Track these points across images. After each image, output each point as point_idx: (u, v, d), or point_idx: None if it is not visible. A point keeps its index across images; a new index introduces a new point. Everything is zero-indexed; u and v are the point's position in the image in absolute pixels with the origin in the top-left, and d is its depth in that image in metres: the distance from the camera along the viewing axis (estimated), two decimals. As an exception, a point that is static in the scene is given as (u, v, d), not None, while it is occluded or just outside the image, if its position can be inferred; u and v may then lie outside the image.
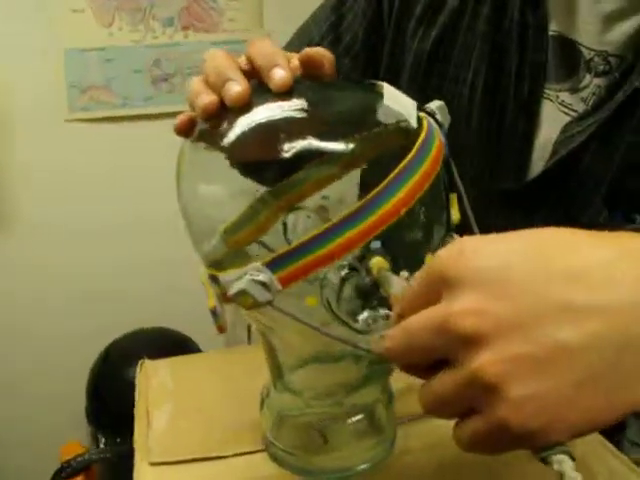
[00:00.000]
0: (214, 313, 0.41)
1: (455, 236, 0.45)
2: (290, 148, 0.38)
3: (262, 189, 0.41)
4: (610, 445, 0.51)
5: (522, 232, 0.30)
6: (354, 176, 0.41)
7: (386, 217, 0.37)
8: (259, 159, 0.40)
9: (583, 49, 0.57)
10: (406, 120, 0.41)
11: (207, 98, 0.40)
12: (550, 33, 0.58)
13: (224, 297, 0.41)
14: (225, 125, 0.40)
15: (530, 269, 0.28)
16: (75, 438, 1.54)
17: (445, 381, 0.29)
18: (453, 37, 0.63)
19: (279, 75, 0.40)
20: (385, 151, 0.42)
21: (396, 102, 0.42)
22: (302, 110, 0.40)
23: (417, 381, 0.56)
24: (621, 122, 0.54)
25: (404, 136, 0.40)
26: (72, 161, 1.53)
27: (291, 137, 0.38)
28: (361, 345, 0.41)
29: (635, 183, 0.54)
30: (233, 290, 0.38)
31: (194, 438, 0.52)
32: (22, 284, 1.58)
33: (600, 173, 0.55)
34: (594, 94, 0.56)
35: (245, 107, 0.40)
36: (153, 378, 0.61)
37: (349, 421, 0.48)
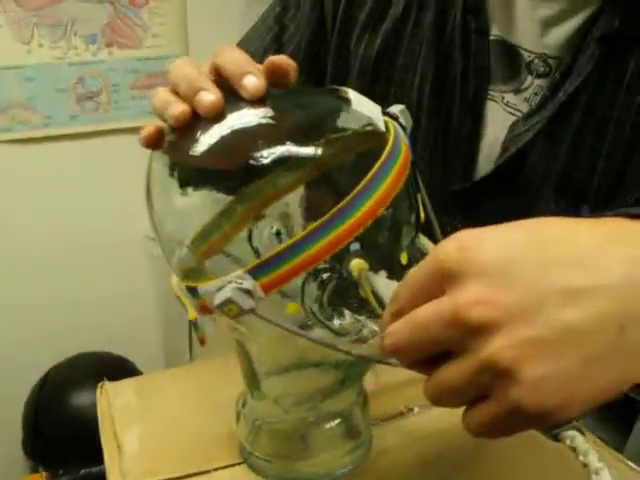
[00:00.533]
0: (195, 325, 0.41)
1: (421, 236, 0.47)
2: (269, 154, 0.38)
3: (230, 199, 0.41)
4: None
5: (519, 223, 0.31)
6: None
7: (365, 218, 0.38)
8: (236, 166, 0.40)
9: (523, 52, 0.60)
10: (375, 124, 0.42)
11: (179, 107, 0.40)
12: (491, 37, 0.61)
13: (203, 308, 0.41)
14: (199, 134, 0.40)
15: (530, 258, 0.29)
16: (13, 473, 1.47)
17: (455, 371, 0.30)
18: (398, 43, 0.65)
19: (252, 83, 0.40)
20: (354, 154, 0.43)
21: (363, 107, 0.43)
22: (275, 117, 0.40)
23: (388, 381, 0.58)
24: (564, 119, 0.57)
25: (374, 139, 0.41)
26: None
27: (269, 143, 0.38)
28: (342, 347, 0.41)
29: (580, 175, 0.57)
30: (218, 299, 0.38)
31: (170, 456, 0.51)
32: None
33: (547, 168, 0.58)
34: (536, 94, 0.59)
35: (218, 116, 0.40)
36: (116, 400, 0.59)
37: (327, 426, 0.48)
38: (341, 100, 0.43)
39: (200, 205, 0.43)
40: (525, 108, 0.60)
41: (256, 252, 0.41)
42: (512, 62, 0.60)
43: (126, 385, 0.61)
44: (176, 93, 0.42)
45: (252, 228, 0.41)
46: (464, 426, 0.32)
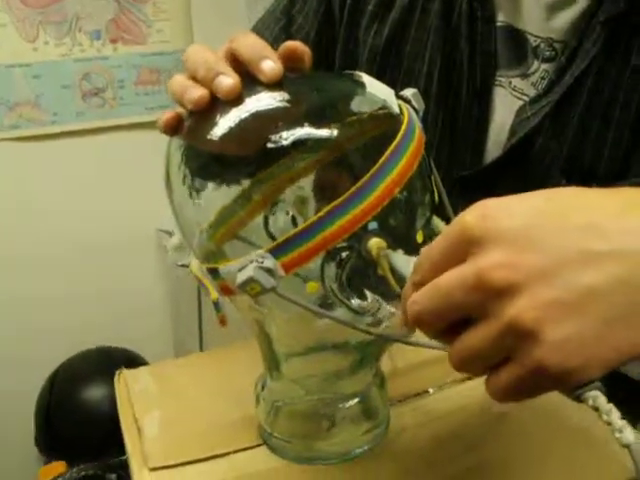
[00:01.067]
0: (216, 305, 0.42)
1: (435, 218, 0.48)
2: (289, 136, 0.39)
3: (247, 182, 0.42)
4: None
5: (538, 192, 0.32)
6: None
7: (382, 197, 0.39)
8: (255, 148, 0.40)
9: (529, 37, 0.60)
10: (389, 106, 0.43)
11: (198, 92, 0.41)
12: (498, 24, 0.62)
13: (225, 289, 0.42)
14: (218, 118, 0.41)
15: (549, 224, 0.30)
16: (26, 467, 1.48)
17: (478, 335, 0.31)
18: (406, 32, 0.66)
19: (269, 67, 0.41)
20: (370, 136, 0.44)
21: (377, 90, 0.44)
22: (293, 100, 0.41)
23: (403, 364, 0.59)
24: (571, 103, 0.58)
25: (389, 121, 0.42)
26: (3, 182, 1.48)
27: (287, 125, 0.39)
28: (361, 326, 0.42)
29: (588, 157, 0.58)
30: (240, 278, 0.39)
31: (191, 439, 0.51)
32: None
33: (555, 151, 0.59)
34: (543, 78, 0.60)
35: (237, 99, 0.41)
36: (134, 386, 0.60)
37: (346, 406, 0.49)
38: (356, 84, 0.44)
39: (218, 189, 0.44)
40: (532, 92, 0.61)
41: (272, 238, 0.42)
42: (518, 47, 0.61)
43: (143, 372, 0.62)
44: (193, 79, 0.42)
45: (268, 214, 0.42)
46: (488, 391, 0.32)
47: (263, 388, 0.51)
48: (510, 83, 0.62)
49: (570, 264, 0.29)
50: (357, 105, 0.43)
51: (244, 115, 0.41)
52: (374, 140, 0.42)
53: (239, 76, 0.42)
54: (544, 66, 0.60)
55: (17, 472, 1.54)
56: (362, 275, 0.42)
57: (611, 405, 0.30)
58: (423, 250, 0.35)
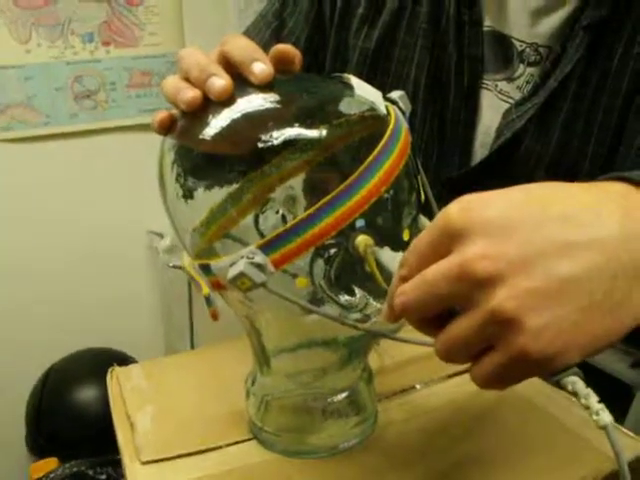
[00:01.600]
0: (208, 300, 0.43)
1: (421, 216, 0.49)
2: (279, 135, 0.40)
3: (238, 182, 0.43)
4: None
5: (519, 186, 0.34)
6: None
7: (369, 195, 0.40)
8: (247, 147, 0.41)
9: (515, 42, 0.62)
10: (376, 108, 0.44)
11: (190, 92, 0.42)
12: (485, 28, 0.63)
13: (216, 284, 0.43)
14: (210, 118, 0.42)
15: (529, 216, 0.32)
16: (17, 468, 1.48)
17: (463, 325, 0.32)
18: (395, 36, 0.67)
19: (260, 69, 0.42)
20: (358, 136, 0.45)
21: (365, 92, 0.45)
22: (283, 101, 0.42)
23: (391, 361, 0.60)
24: (555, 106, 0.59)
25: (377, 122, 0.44)
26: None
27: (278, 126, 0.40)
28: (348, 322, 0.43)
29: (571, 159, 0.59)
30: (231, 273, 0.40)
31: (183, 434, 0.52)
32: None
33: (540, 153, 0.61)
34: (528, 82, 0.62)
35: (229, 100, 0.42)
36: (127, 383, 0.61)
37: (335, 400, 0.50)
38: (344, 86, 0.45)
39: (210, 188, 0.45)
40: (518, 96, 0.62)
41: (262, 236, 0.43)
42: (505, 52, 0.62)
43: (135, 369, 0.63)
44: (187, 80, 0.43)
45: (258, 213, 0.43)
46: (472, 379, 0.34)
47: (253, 383, 0.52)
48: (496, 86, 0.64)
49: (549, 254, 0.31)
50: (346, 106, 0.44)
51: (235, 116, 0.42)
52: (362, 140, 0.44)
53: (231, 78, 0.43)
54: (529, 70, 0.62)
55: (7, 472, 1.54)
56: (350, 271, 0.43)
57: (589, 389, 0.32)
58: (411, 245, 0.36)
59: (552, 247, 0.31)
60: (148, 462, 0.50)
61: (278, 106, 0.42)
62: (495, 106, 0.63)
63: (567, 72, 0.58)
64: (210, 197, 0.43)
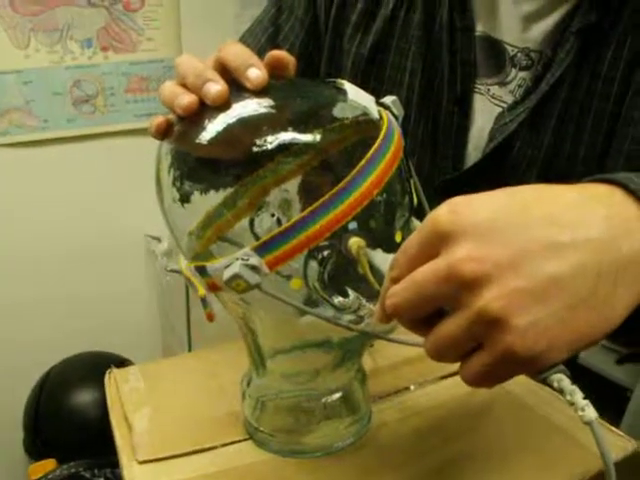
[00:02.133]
0: (204, 301, 0.43)
1: (413, 219, 0.50)
2: (273, 140, 0.40)
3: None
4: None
5: (505, 189, 0.34)
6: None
7: (362, 198, 0.41)
8: (242, 151, 0.42)
9: (507, 47, 0.63)
10: (369, 113, 0.45)
11: (187, 98, 0.43)
12: (477, 34, 0.64)
13: (212, 286, 0.44)
14: (206, 123, 0.43)
15: (515, 218, 0.33)
16: (14, 472, 1.49)
17: (452, 325, 0.33)
18: (388, 42, 0.68)
19: (255, 74, 0.43)
20: (351, 140, 0.46)
21: (358, 97, 0.46)
22: (278, 106, 0.43)
23: (384, 362, 0.60)
24: (546, 110, 0.60)
25: (369, 127, 0.44)
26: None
27: (272, 130, 0.41)
28: (342, 322, 0.44)
29: (562, 163, 0.60)
30: (227, 275, 0.41)
31: (180, 434, 0.53)
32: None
33: (531, 156, 0.61)
34: (520, 86, 0.63)
35: (224, 105, 0.43)
36: (124, 385, 0.61)
37: (329, 400, 0.51)
38: (338, 91, 0.46)
39: (206, 192, 0.46)
40: (510, 99, 0.63)
41: (257, 239, 0.44)
42: (497, 56, 0.63)
43: (133, 371, 0.64)
44: (183, 86, 0.44)
45: (253, 216, 0.44)
46: (461, 377, 0.34)
47: (249, 384, 0.53)
48: (489, 90, 0.65)
49: (534, 254, 0.32)
50: (339, 111, 0.45)
51: (231, 120, 0.43)
52: (355, 144, 0.44)
53: (227, 83, 0.44)
54: (521, 74, 0.63)
55: (5, 473, 1.54)
56: (343, 273, 0.44)
57: (574, 386, 0.33)
58: (401, 247, 0.37)
59: (537, 247, 0.32)
60: (145, 462, 0.50)
61: (273, 111, 0.43)
62: (488, 110, 0.64)
63: (558, 76, 0.59)
64: (206, 200, 0.44)
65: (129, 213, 1.56)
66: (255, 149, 0.41)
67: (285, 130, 0.41)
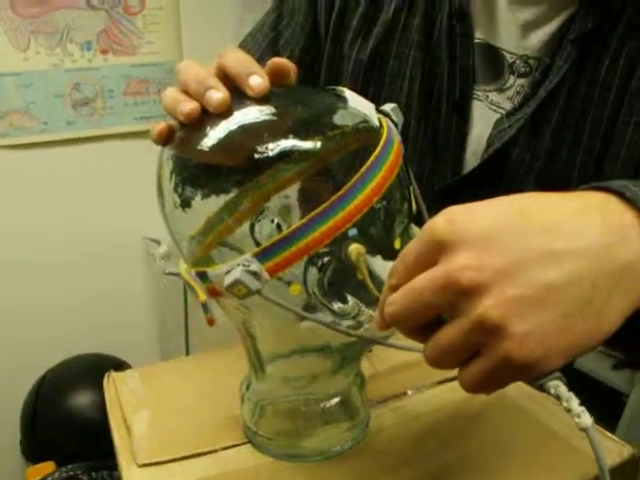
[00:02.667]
0: (205, 307, 0.44)
1: (413, 226, 0.50)
2: (274, 147, 0.41)
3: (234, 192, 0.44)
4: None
5: (503, 197, 0.35)
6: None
7: (362, 205, 0.41)
8: (243, 158, 0.43)
9: (506, 54, 0.63)
10: (369, 120, 0.46)
11: (189, 105, 0.43)
12: (476, 41, 0.64)
13: (213, 291, 0.44)
14: (208, 130, 0.43)
15: (512, 227, 0.33)
16: (11, 474, 1.49)
17: (450, 333, 0.33)
18: (388, 48, 0.68)
19: (257, 82, 0.43)
20: (351, 148, 0.46)
21: (358, 105, 0.46)
22: (279, 114, 0.44)
23: (383, 367, 0.61)
24: (544, 116, 0.61)
25: (370, 134, 0.45)
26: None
27: (273, 137, 0.41)
28: (341, 328, 0.45)
29: (560, 169, 0.61)
30: (228, 281, 0.41)
31: (179, 437, 0.53)
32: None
33: (529, 162, 0.62)
34: (518, 93, 0.63)
35: (226, 112, 0.43)
36: (123, 388, 0.61)
37: (327, 405, 0.51)
38: (338, 98, 0.46)
39: (207, 198, 0.46)
40: (508, 106, 0.64)
41: (258, 245, 0.44)
42: (495, 63, 0.64)
43: (132, 374, 0.64)
44: (185, 92, 0.45)
45: (254, 222, 0.44)
46: (460, 384, 0.35)
47: (248, 388, 0.53)
48: (487, 97, 0.65)
49: (531, 263, 0.32)
50: (339, 119, 0.45)
51: (232, 127, 0.43)
52: (355, 152, 0.45)
53: (228, 91, 0.44)
54: (520, 81, 0.63)
55: (3, 477, 1.54)
56: (343, 279, 0.44)
57: (571, 393, 0.33)
58: (399, 256, 0.37)
59: (535, 256, 0.32)
60: (144, 465, 0.51)
61: (274, 118, 0.44)
62: (486, 116, 0.65)
63: (556, 83, 0.59)
64: (207, 206, 0.44)
65: (128, 215, 1.56)
66: (256, 156, 0.41)
67: (286, 137, 0.42)
